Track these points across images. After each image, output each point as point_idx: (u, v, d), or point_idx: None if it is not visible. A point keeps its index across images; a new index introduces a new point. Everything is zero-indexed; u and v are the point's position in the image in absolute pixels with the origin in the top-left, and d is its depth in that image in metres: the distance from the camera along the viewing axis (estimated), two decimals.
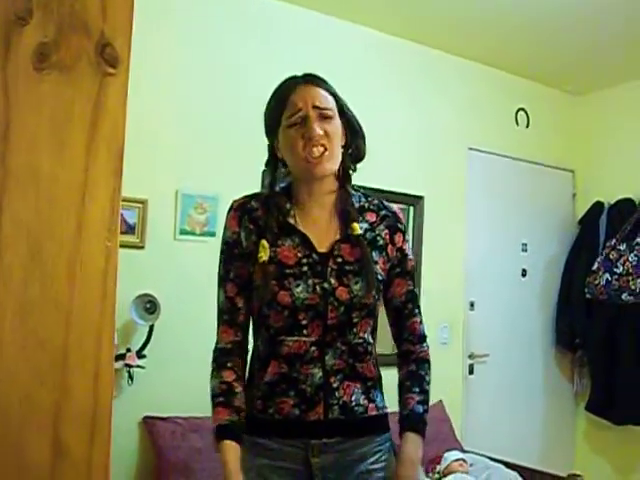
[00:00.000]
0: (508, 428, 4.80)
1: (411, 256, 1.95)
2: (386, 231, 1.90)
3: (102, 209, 1.09)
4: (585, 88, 5.27)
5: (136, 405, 3.36)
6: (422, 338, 1.94)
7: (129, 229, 3.43)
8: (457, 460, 3.83)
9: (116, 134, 1.13)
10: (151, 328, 3.36)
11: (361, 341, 1.82)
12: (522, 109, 5.10)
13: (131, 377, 3.29)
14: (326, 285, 1.77)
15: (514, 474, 3.81)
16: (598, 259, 4.83)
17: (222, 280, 1.86)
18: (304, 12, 4.06)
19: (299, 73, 1.88)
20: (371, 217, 1.90)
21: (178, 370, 3.43)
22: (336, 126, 1.82)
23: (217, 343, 1.85)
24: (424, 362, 1.91)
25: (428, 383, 1.89)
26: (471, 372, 4.75)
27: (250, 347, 1.88)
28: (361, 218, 1.88)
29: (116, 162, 1.12)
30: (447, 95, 4.68)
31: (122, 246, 3.67)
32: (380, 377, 1.88)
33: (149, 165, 3.45)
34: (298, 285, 1.75)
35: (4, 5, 1.01)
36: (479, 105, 4.84)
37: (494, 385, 4.86)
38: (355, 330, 1.80)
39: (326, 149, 1.78)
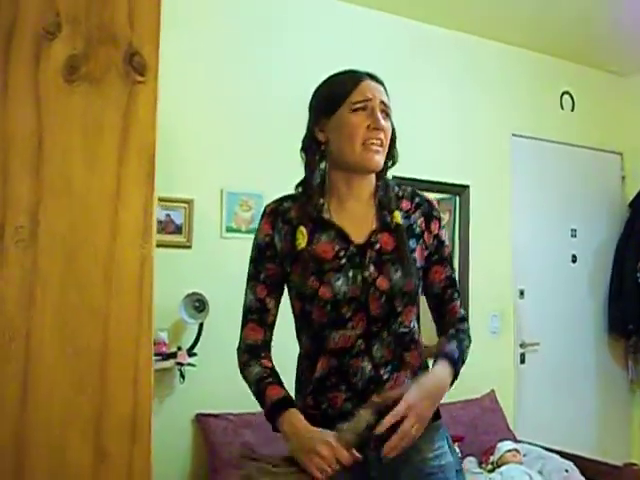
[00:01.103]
0: (561, 417, 4.72)
1: (447, 242, 1.97)
2: (422, 219, 1.90)
3: (135, 216, 1.10)
4: (631, 69, 5.15)
5: (188, 403, 3.40)
6: (462, 319, 1.95)
7: (176, 229, 3.47)
8: (510, 450, 3.79)
9: (147, 141, 1.13)
10: (201, 326, 3.39)
11: (407, 330, 1.82)
12: (567, 92, 5.01)
13: (182, 375, 3.33)
14: (366, 274, 1.77)
15: (568, 463, 3.75)
16: None
17: (252, 281, 1.89)
18: (342, 5, 4.05)
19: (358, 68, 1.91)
20: (406, 205, 1.91)
21: (228, 367, 3.40)
22: (390, 127, 1.86)
23: (244, 340, 1.87)
24: (464, 332, 1.92)
25: (466, 347, 1.89)
26: (522, 361, 4.69)
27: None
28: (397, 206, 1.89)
29: (148, 168, 1.13)
30: (489, 82, 4.62)
31: (170, 246, 3.67)
32: (427, 367, 1.87)
33: (194, 165, 3.48)
34: (338, 279, 1.76)
35: (33, 20, 1.03)
36: (522, 90, 4.76)
37: (546, 374, 4.79)
38: (400, 319, 1.80)
39: (382, 144, 1.82)
